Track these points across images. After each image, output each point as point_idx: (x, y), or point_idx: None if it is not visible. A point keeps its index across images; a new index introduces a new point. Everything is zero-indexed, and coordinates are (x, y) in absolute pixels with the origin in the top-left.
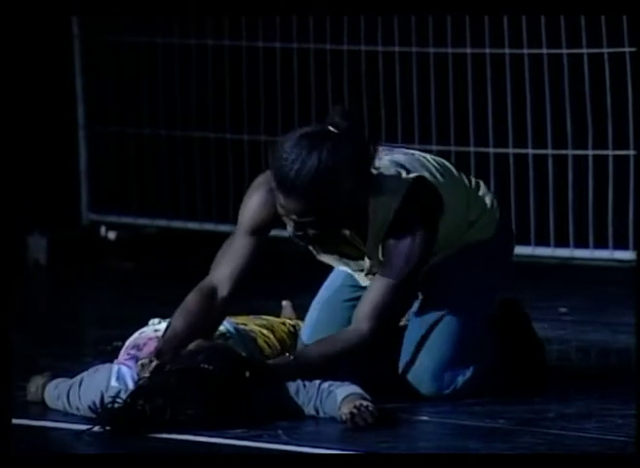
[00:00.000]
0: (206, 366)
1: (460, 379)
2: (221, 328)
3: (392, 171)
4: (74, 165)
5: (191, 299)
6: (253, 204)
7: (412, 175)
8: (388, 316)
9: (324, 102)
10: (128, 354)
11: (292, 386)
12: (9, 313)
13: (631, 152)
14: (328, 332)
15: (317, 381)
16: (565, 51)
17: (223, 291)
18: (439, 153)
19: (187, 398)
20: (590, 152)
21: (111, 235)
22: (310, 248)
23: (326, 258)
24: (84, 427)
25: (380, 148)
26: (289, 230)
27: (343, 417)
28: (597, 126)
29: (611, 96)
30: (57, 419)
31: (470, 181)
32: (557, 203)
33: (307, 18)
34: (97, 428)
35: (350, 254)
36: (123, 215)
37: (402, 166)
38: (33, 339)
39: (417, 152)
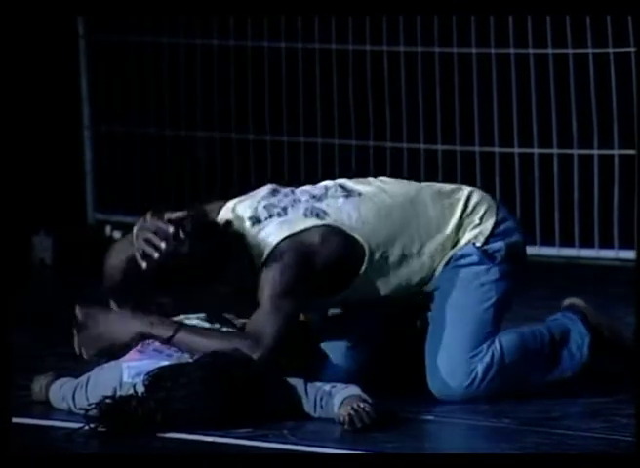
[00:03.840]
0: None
1: (480, 367)
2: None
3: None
4: (80, 165)
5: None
6: None
7: (299, 228)
8: (268, 337)
9: (329, 102)
10: (137, 352)
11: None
12: (9, 313)
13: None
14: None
15: (318, 383)
16: (570, 50)
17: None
18: (445, 153)
19: (180, 400)
20: (596, 152)
21: (117, 235)
22: None
23: None
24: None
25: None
26: None
27: (341, 419)
28: (603, 125)
29: (616, 95)
30: (61, 419)
31: (466, 206)
32: (563, 202)
33: (313, 17)
34: (87, 427)
35: None
36: (128, 215)
37: (317, 214)
38: (38, 339)
39: (377, 189)
